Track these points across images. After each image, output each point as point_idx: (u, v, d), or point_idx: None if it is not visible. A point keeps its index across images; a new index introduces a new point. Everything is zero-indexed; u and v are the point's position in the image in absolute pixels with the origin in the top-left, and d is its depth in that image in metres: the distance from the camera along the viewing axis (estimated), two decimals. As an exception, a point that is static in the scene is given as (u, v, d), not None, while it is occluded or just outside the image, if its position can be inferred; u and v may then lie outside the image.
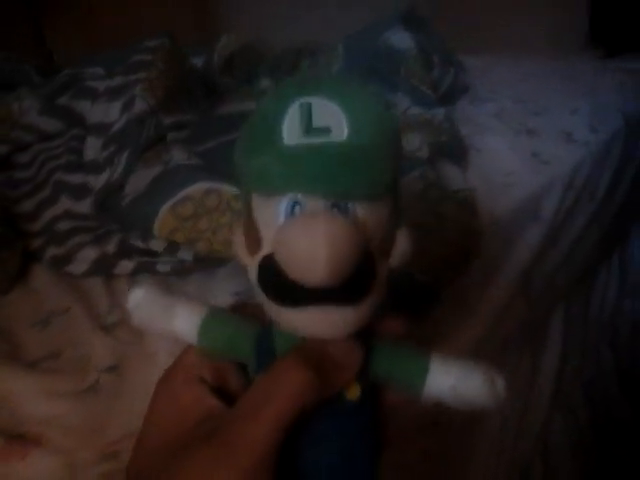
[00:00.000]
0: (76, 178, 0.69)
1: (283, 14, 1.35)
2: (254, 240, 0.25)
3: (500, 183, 0.73)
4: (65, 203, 0.69)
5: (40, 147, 0.78)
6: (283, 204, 0.24)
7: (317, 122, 0.24)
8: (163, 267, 0.59)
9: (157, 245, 0.59)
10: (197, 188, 0.55)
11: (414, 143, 0.57)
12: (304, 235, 0.22)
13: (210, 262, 0.59)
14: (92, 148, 0.68)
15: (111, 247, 0.60)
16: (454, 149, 0.68)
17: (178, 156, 0.60)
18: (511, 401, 0.87)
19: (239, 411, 0.25)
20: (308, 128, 0.24)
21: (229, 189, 0.54)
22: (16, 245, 0.65)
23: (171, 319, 0.27)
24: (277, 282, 0.23)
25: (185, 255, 0.59)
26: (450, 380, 0.26)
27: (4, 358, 0.51)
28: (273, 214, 0.24)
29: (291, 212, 0.24)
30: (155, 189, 0.57)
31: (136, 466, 0.26)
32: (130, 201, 0.60)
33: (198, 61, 0.90)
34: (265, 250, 0.24)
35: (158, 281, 0.58)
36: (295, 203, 0.24)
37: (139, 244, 0.60)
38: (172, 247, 0.59)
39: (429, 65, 0.92)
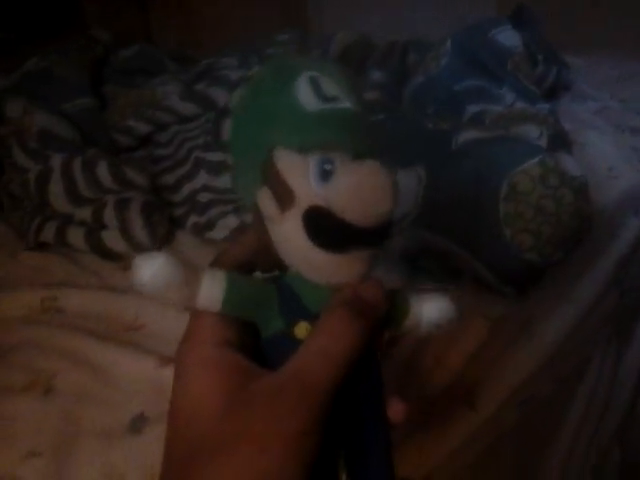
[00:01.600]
0: (215, 156, 0.79)
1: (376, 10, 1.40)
2: (285, 196, 0.27)
3: (602, 177, 0.76)
4: (204, 178, 0.78)
5: (179, 128, 0.87)
6: (315, 160, 0.26)
7: (326, 92, 0.28)
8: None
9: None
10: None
11: (535, 132, 0.63)
12: (371, 180, 0.26)
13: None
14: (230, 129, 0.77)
15: (250, 217, 0.69)
16: (561, 143, 0.72)
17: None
18: (594, 394, 0.90)
19: (299, 357, 0.26)
20: (323, 97, 0.27)
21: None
22: (164, 211, 0.75)
23: (192, 286, 0.27)
24: (329, 227, 0.26)
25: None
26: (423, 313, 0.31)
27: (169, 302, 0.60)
28: (304, 170, 0.26)
29: (321, 167, 0.26)
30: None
31: (180, 448, 0.26)
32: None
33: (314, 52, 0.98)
34: (303, 203, 0.26)
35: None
36: (326, 160, 0.26)
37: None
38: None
39: (534, 62, 0.96)
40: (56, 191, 0.73)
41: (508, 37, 0.96)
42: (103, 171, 0.73)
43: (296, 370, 0.25)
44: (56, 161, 0.74)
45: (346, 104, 0.28)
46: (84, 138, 0.81)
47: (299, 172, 0.27)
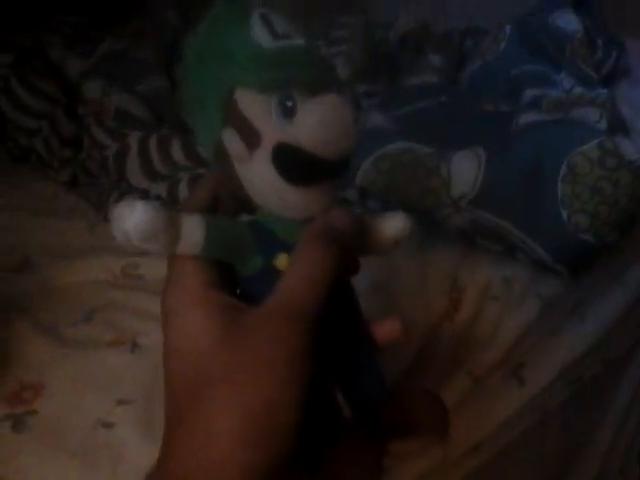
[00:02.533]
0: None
1: None
2: (251, 136, 0.27)
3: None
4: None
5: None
6: (276, 98, 0.27)
7: (278, 29, 0.28)
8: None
9: (351, 195, 0.70)
10: (395, 146, 0.65)
11: (595, 115, 0.65)
12: (334, 113, 0.27)
13: (396, 209, 0.69)
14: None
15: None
16: (619, 128, 0.73)
17: (376, 119, 0.70)
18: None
19: (283, 284, 0.27)
20: (275, 35, 0.28)
21: (423, 148, 0.64)
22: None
23: (176, 233, 0.27)
24: (298, 162, 0.27)
25: (373, 204, 0.70)
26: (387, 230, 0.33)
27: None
28: (267, 109, 0.27)
29: (284, 105, 0.27)
30: (357, 146, 0.68)
31: (177, 386, 0.26)
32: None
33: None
34: (270, 141, 0.27)
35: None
36: (287, 97, 0.27)
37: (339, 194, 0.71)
38: (363, 197, 0.70)
39: (593, 47, 0.97)
40: (133, 167, 0.78)
41: (568, 21, 0.96)
42: (177, 149, 0.78)
43: (281, 298, 0.27)
44: (133, 139, 0.80)
45: (299, 40, 0.29)
46: (158, 118, 0.86)
47: (262, 111, 0.27)
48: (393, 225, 0.33)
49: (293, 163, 0.27)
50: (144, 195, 0.78)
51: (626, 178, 0.57)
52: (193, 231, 0.27)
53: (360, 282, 0.62)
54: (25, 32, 1.11)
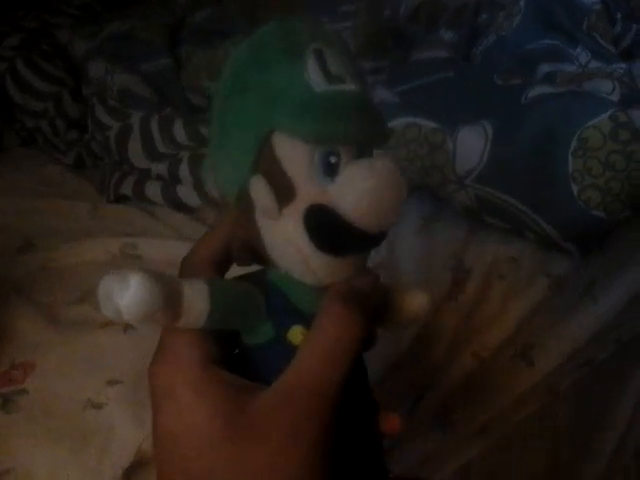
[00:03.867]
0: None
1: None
2: (284, 189, 0.24)
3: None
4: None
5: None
6: (321, 152, 0.23)
7: (332, 69, 0.24)
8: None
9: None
10: (400, 122, 0.63)
11: (608, 86, 0.62)
12: (384, 181, 0.23)
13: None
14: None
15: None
16: (637, 101, 0.70)
17: (381, 94, 0.68)
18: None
19: (302, 363, 0.24)
20: (329, 76, 0.24)
21: (428, 123, 0.62)
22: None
23: (177, 309, 0.23)
24: (333, 229, 0.24)
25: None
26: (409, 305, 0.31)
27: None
28: (308, 162, 0.24)
29: (327, 161, 0.24)
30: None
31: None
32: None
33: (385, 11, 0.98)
34: (303, 199, 0.24)
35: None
36: (332, 152, 0.24)
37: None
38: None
39: (612, 20, 0.93)
40: (134, 147, 0.77)
41: (586, -6, 0.93)
42: (179, 128, 0.76)
43: (300, 377, 0.24)
44: (135, 118, 0.78)
45: (352, 85, 0.24)
46: (161, 97, 0.85)
47: (302, 163, 0.24)
48: (415, 301, 0.31)
49: (328, 230, 0.24)
50: (145, 174, 0.77)
51: (640, 152, 0.54)
52: (196, 305, 0.24)
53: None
54: (31, 14, 1.10)
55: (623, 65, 0.83)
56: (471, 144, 0.60)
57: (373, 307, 0.26)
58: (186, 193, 0.73)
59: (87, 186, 0.86)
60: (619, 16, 0.95)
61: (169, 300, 0.22)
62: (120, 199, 0.79)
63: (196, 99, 0.89)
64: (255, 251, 0.26)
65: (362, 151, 0.25)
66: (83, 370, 0.50)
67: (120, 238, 0.68)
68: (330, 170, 0.24)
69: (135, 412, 0.47)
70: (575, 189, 0.56)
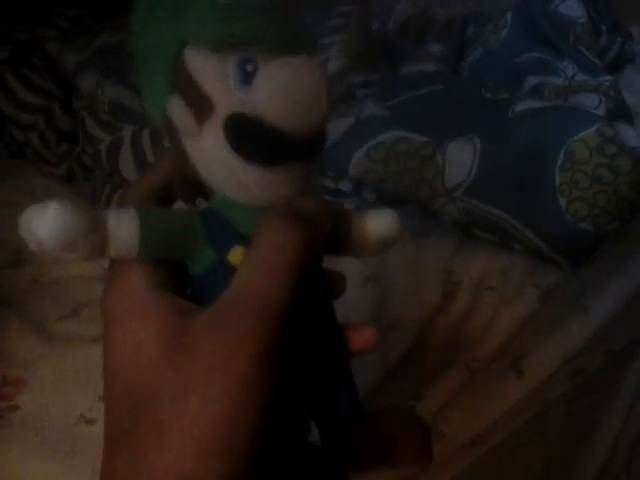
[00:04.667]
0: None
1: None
2: (201, 104, 0.23)
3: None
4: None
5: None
6: (234, 59, 0.23)
7: None
8: (349, 205, 0.69)
9: (346, 186, 0.69)
10: (389, 135, 0.64)
11: (594, 101, 0.63)
12: (300, 78, 0.23)
13: (392, 202, 0.68)
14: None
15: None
16: (623, 115, 0.71)
17: (370, 109, 0.68)
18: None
19: (239, 277, 0.23)
20: None
21: (417, 137, 0.63)
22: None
23: (103, 237, 0.22)
24: (255, 135, 0.23)
25: (368, 195, 0.68)
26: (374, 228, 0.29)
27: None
28: (221, 71, 0.23)
29: (243, 68, 0.23)
30: (350, 136, 0.67)
31: (123, 405, 0.23)
32: (326, 148, 0.70)
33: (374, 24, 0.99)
34: (222, 111, 0.23)
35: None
36: (247, 58, 0.23)
37: (330, 185, 0.70)
38: (357, 188, 0.69)
39: (597, 33, 0.94)
40: (126, 160, 0.77)
41: (571, 7, 0.94)
42: (169, 142, 0.76)
43: (237, 292, 0.23)
44: (126, 131, 0.78)
45: None
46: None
47: (216, 74, 0.23)
48: (380, 224, 0.29)
49: (249, 136, 0.23)
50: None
51: (626, 165, 0.55)
52: (124, 232, 0.23)
53: (352, 273, 0.61)
54: (20, 26, 1.10)
55: (609, 77, 0.85)
56: (460, 158, 0.61)
57: (316, 225, 0.25)
58: (178, 207, 0.73)
59: (77, 199, 0.86)
60: (604, 29, 0.97)
61: (91, 227, 0.22)
62: (111, 212, 0.79)
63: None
64: (194, 183, 0.26)
65: (281, 55, 0.23)
66: (75, 385, 0.50)
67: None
68: (247, 78, 0.23)
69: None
70: (563, 202, 0.57)
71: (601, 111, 0.61)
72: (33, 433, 0.47)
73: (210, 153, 0.24)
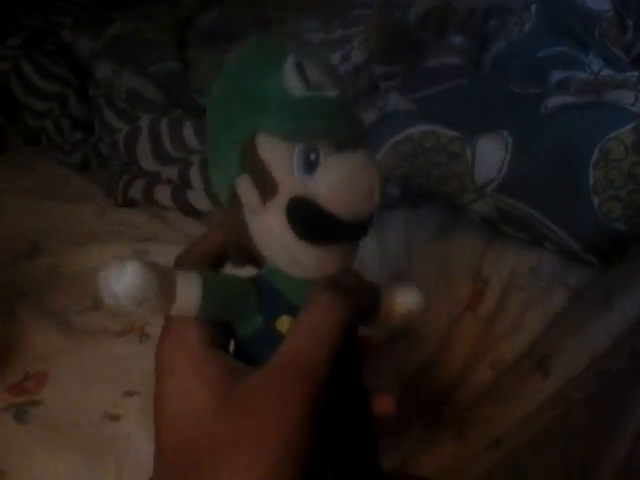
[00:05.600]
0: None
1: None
2: (267, 184, 0.26)
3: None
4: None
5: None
6: (300, 149, 0.25)
7: (311, 78, 0.26)
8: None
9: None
10: (417, 130, 0.62)
11: (630, 98, 0.61)
12: (358, 173, 0.25)
13: (416, 198, 0.67)
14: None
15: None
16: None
17: (395, 102, 0.67)
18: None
19: (289, 343, 0.25)
20: (308, 84, 0.26)
21: (446, 132, 0.61)
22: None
23: (171, 295, 0.25)
24: (313, 218, 0.25)
25: (392, 190, 0.67)
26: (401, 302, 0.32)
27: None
28: (288, 159, 0.25)
29: (307, 157, 0.25)
30: (376, 130, 0.65)
31: (173, 454, 0.25)
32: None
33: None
34: (285, 193, 0.25)
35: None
36: (311, 149, 0.25)
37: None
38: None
39: (623, 27, 0.93)
40: (144, 150, 0.76)
41: (597, 1, 0.92)
42: (188, 131, 0.75)
43: (287, 356, 0.25)
44: (144, 121, 0.77)
45: (331, 92, 0.27)
46: (170, 100, 0.84)
47: (283, 161, 0.26)
48: (407, 298, 0.32)
49: (308, 219, 0.25)
50: (155, 178, 0.76)
51: (663, 164, 0.53)
52: (189, 293, 0.25)
53: (379, 271, 0.60)
54: (35, 13, 1.09)
55: (635, 73, 0.83)
56: (491, 154, 0.59)
57: (357, 299, 0.27)
58: (197, 197, 0.73)
59: (93, 188, 0.85)
60: (630, 23, 0.95)
61: (163, 286, 0.24)
62: (128, 203, 0.78)
63: (204, 101, 0.88)
64: (248, 251, 0.28)
65: (341, 150, 0.26)
66: (99, 381, 0.49)
67: (131, 243, 0.67)
68: (310, 166, 0.25)
69: (151, 424, 0.45)
70: (596, 201, 0.55)
71: (637, 108, 0.60)
72: (56, 429, 0.46)
73: (270, 229, 0.26)
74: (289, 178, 0.25)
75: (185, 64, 0.92)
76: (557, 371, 0.60)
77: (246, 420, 0.23)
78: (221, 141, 0.28)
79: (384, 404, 0.30)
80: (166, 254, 0.65)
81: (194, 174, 0.73)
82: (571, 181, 0.56)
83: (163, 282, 0.24)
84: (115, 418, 0.46)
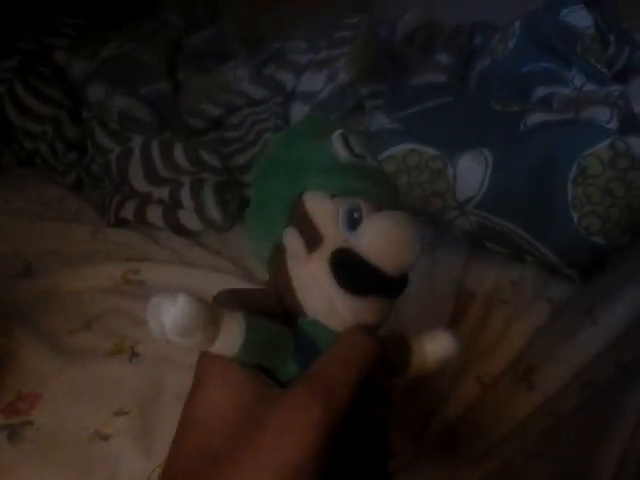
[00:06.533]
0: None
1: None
2: (313, 237, 0.28)
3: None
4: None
5: (249, 111, 0.90)
6: (345, 206, 0.28)
7: (355, 149, 0.30)
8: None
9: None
10: (400, 148, 0.64)
11: (605, 114, 0.63)
12: (401, 229, 0.27)
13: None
14: (299, 113, 0.79)
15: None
16: (632, 126, 0.71)
17: (380, 121, 0.69)
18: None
19: (316, 366, 0.27)
20: (352, 152, 0.29)
21: (429, 150, 0.63)
22: (235, 191, 0.78)
23: (216, 331, 0.26)
24: (356, 268, 0.27)
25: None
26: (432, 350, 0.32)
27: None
28: (333, 214, 0.28)
29: (350, 215, 0.28)
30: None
31: (188, 455, 0.25)
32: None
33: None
34: (330, 245, 0.27)
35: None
36: (355, 208, 0.28)
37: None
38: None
39: (605, 43, 0.94)
40: (135, 171, 0.78)
41: (579, 17, 0.94)
42: (179, 153, 0.77)
43: (308, 376, 0.26)
44: (136, 142, 0.79)
45: (371, 162, 0.30)
46: (160, 121, 0.85)
47: (329, 216, 0.28)
48: (439, 347, 0.32)
49: (350, 267, 0.27)
50: (146, 198, 0.78)
51: (638, 179, 0.55)
52: (234, 330, 0.26)
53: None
54: (29, 35, 1.10)
55: (617, 87, 0.85)
56: (471, 171, 0.61)
57: (384, 344, 0.29)
58: (187, 217, 0.74)
59: (86, 208, 0.87)
60: (612, 38, 0.97)
61: (210, 321, 0.25)
62: (120, 222, 0.79)
63: (195, 122, 0.90)
64: (287, 303, 0.30)
65: (381, 209, 0.28)
66: (89, 401, 0.50)
67: (122, 263, 0.68)
68: (353, 223, 0.28)
69: (142, 443, 0.47)
70: (575, 216, 0.57)
71: (613, 125, 0.61)
72: (48, 448, 0.47)
73: (313, 278, 0.28)
74: (334, 232, 0.28)
75: (176, 85, 0.94)
76: (542, 383, 0.61)
77: (262, 432, 0.24)
78: (269, 201, 0.31)
79: (398, 442, 0.31)
80: (158, 273, 0.67)
81: (185, 194, 0.74)
82: (550, 197, 0.58)
83: (210, 316, 0.25)
84: (105, 437, 0.47)
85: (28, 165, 1.00)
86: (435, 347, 0.32)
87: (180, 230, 0.74)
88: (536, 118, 0.63)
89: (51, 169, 0.95)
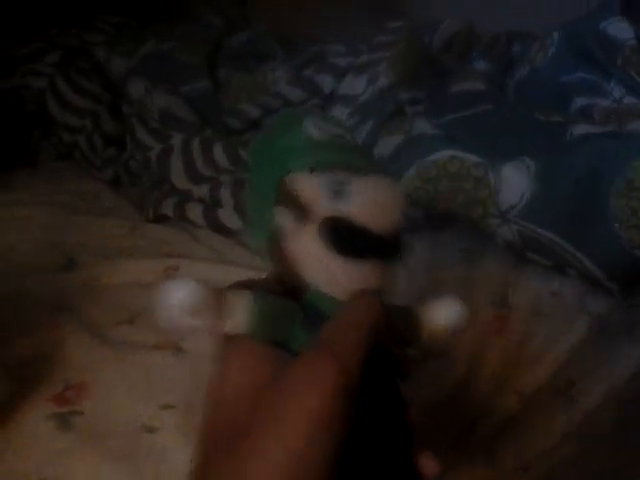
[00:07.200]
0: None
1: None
2: (301, 212, 0.29)
3: None
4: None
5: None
6: (324, 176, 0.30)
7: (326, 129, 0.33)
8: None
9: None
10: (442, 155, 0.64)
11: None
12: (384, 188, 0.30)
13: (439, 220, 0.68)
14: (340, 115, 0.80)
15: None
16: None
17: (421, 126, 0.69)
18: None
19: (329, 330, 0.28)
20: (324, 131, 0.33)
21: (470, 157, 0.63)
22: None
23: (224, 313, 0.27)
24: (346, 232, 0.28)
25: (416, 214, 0.69)
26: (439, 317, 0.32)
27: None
28: (315, 186, 0.29)
29: (332, 186, 0.29)
30: (401, 154, 0.67)
31: (211, 431, 0.26)
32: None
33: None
34: (317, 217, 0.29)
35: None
36: (333, 179, 0.29)
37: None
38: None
39: (646, 55, 0.94)
40: (176, 168, 0.79)
41: (619, 29, 0.93)
42: (219, 151, 0.78)
43: (321, 338, 0.27)
44: (177, 140, 0.80)
45: (343, 138, 0.33)
46: (201, 120, 0.86)
47: (311, 189, 0.29)
48: (445, 313, 0.32)
49: (340, 233, 0.28)
50: (186, 196, 0.79)
51: (684, 193, 0.55)
52: (243, 307, 0.27)
53: (403, 294, 0.61)
54: (68, 31, 1.12)
55: (658, 101, 0.84)
56: (513, 179, 0.61)
57: (391, 315, 0.30)
58: (227, 216, 0.75)
59: (124, 204, 0.88)
60: (653, 51, 0.96)
61: (217, 300, 0.26)
62: (159, 219, 0.80)
63: (233, 122, 0.91)
64: (291, 280, 0.31)
65: (361, 175, 0.30)
66: (136, 393, 0.51)
67: (162, 259, 0.69)
68: (336, 192, 0.29)
69: (187, 437, 0.47)
70: (619, 229, 0.57)
71: (660, 137, 0.61)
72: (96, 439, 0.47)
73: (308, 249, 0.29)
74: (319, 203, 0.29)
75: (216, 84, 0.94)
76: (582, 399, 0.60)
77: (276, 403, 0.25)
78: (259, 191, 0.33)
79: (430, 465, 0.30)
80: (197, 270, 0.68)
81: (224, 193, 0.75)
82: (594, 209, 0.58)
83: (217, 296, 0.26)
84: (152, 430, 0.48)
85: (67, 159, 1.01)
86: (442, 314, 0.32)
87: (219, 228, 0.75)
88: (582, 129, 0.63)
89: (89, 163, 0.96)
